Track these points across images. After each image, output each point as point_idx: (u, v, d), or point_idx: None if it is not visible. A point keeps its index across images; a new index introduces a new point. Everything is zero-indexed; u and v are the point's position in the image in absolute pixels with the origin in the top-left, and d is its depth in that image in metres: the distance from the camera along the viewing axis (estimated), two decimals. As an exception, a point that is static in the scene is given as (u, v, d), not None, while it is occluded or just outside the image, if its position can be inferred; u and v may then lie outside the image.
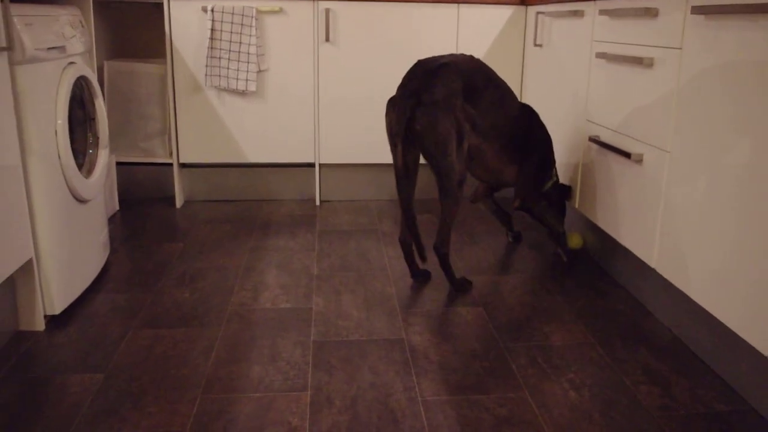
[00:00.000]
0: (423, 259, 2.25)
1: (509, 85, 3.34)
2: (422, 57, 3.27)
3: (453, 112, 2.15)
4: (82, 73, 2.28)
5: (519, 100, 2.67)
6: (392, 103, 2.22)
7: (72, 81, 2.17)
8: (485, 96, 2.28)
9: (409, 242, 2.39)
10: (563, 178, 2.79)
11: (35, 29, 1.96)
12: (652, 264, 2.05)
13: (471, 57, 2.33)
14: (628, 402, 1.70)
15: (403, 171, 2.19)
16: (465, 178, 2.24)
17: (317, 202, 3.45)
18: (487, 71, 2.33)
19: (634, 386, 1.77)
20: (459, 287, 2.37)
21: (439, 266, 2.41)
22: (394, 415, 1.63)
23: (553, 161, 2.60)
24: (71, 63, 2.21)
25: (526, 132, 2.47)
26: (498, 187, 2.67)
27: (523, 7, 3.29)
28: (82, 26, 2.38)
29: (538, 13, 3.10)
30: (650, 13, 2.02)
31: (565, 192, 2.69)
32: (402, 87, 2.20)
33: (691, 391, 1.75)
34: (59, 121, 2.07)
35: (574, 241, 2.69)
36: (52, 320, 2.09)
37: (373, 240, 2.89)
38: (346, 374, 1.81)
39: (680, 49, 1.89)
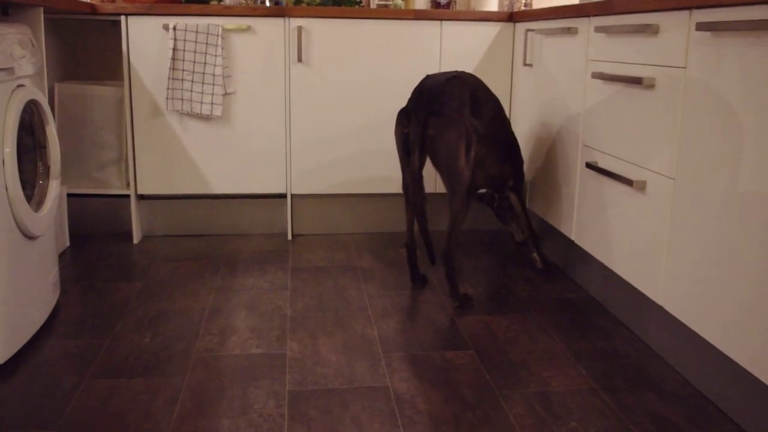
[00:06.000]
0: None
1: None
2: (403, 78, 3.30)
3: (463, 121, 2.48)
4: (32, 97, 2.26)
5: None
6: (406, 114, 2.58)
7: (21, 106, 2.15)
8: (486, 109, 2.61)
9: (414, 247, 2.74)
10: (557, 207, 2.81)
11: (-20, 48, 1.94)
12: (658, 300, 2.06)
13: (472, 74, 2.67)
14: (637, 453, 1.69)
15: (419, 176, 2.56)
16: (472, 185, 2.57)
17: (289, 237, 3.43)
18: (485, 87, 2.68)
19: (643, 436, 1.76)
20: (462, 301, 2.57)
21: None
22: (380, 472, 1.61)
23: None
24: (20, 86, 2.19)
25: (509, 131, 2.84)
26: (500, 189, 2.89)
27: (510, 24, 3.33)
28: (33, 46, 2.37)
29: (527, 30, 3.13)
30: (651, 29, 2.05)
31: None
32: (416, 99, 2.54)
33: (705, 440, 1.74)
34: (6, 150, 2.05)
35: None
36: (-5, 371, 2.05)
37: (352, 277, 2.87)
38: (326, 427, 1.79)
39: (684, 68, 1.91)
